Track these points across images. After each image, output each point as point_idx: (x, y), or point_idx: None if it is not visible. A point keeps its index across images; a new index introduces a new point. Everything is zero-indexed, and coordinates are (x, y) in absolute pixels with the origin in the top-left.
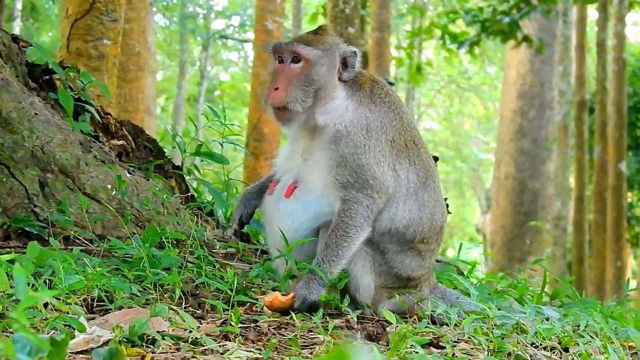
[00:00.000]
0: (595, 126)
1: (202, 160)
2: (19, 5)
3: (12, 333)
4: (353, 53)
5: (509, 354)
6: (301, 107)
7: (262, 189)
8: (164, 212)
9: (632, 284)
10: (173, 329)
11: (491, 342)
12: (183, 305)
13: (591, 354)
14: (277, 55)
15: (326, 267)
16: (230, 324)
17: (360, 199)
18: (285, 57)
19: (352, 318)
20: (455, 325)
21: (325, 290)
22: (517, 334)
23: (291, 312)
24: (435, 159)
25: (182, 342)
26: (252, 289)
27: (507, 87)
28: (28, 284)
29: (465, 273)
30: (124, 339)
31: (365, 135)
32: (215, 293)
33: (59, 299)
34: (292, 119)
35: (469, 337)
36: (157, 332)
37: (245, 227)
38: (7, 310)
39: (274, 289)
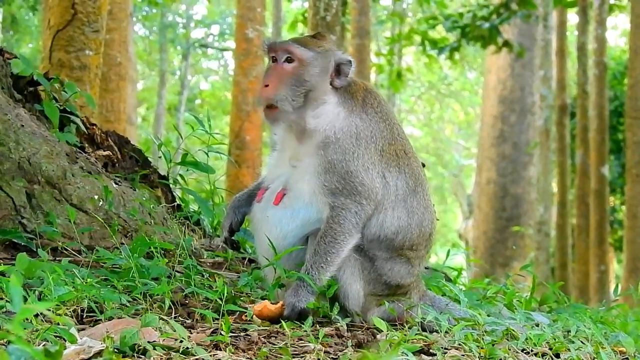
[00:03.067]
0: (577, 130)
1: (187, 170)
2: None
3: (5, 345)
4: (348, 62)
5: None
6: (290, 107)
7: (251, 196)
8: (151, 222)
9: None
10: (164, 339)
11: (482, 348)
12: (173, 315)
13: None
14: (271, 54)
15: (315, 274)
16: (221, 333)
17: (348, 206)
18: (279, 56)
19: (342, 326)
20: (446, 332)
21: (314, 298)
22: (508, 340)
23: (281, 321)
24: (422, 165)
25: (173, 352)
26: (241, 298)
27: (488, 93)
28: None
29: (452, 279)
30: (115, 350)
31: (354, 143)
32: (204, 302)
33: (49, 310)
34: (280, 118)
35: (459, 344)
36: (148, 342)
37: (235, 235)
38: None
39: (263, 298)
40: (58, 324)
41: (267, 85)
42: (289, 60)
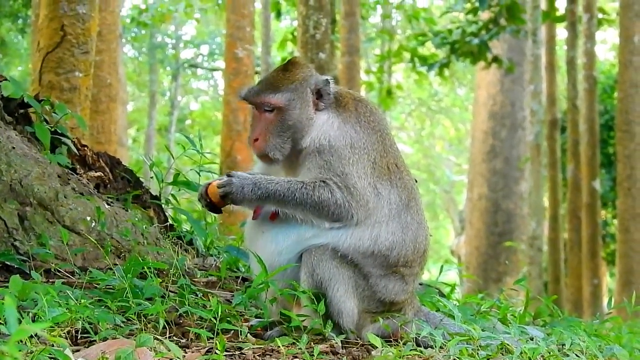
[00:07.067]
0: (568, 144)
1: (179, 190)
2: None
3: None
4: (325, 82)
5: None
6: (281, 155)
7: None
8: (143, 242)
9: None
10: (159, 359)
11: None
12: (167, 335)
13: None
14: (249, 104)
15: (269, 186)
16: (216, 352)
17: (336, 193)
18: (257, 106)
19: (336, 343)
20: (441, 347)
21: (247, 199)
22: (503, 354)
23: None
24: (414, 181)
25: None
26: (235, 317)
27: (478, 108)
28: None
29: (446, 295)
30: None
31: (349, 150)
32: (198, 322)
33: (44, 331)
34: (276, 161)
35: (454, 359)
36: None
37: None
38: None
39: (257, 316)
40: (53, 345)
41: (256, 139)
42: (268, 108)
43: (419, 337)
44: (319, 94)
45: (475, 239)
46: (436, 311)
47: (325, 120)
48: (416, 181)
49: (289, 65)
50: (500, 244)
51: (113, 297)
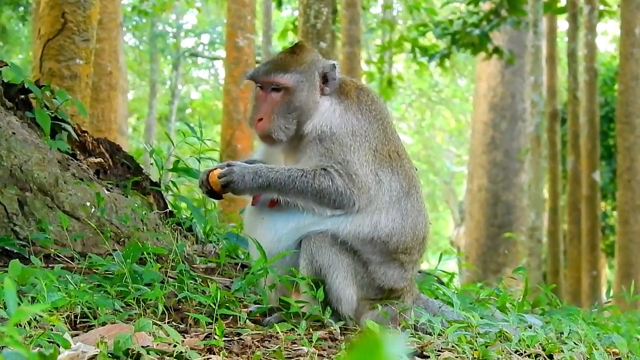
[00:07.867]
0: (568, 136)
1: (179, 176)
2: None
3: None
4: (332, 66)
5: None
6: (285, 136)
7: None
8: (143, 229)
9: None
10: (157, 344)
11: (475, 350)
12: (166, 320)
13: None
14: (256, 84)
15: (270, 175)
16: (214, 338)
17: (337, 181)
18: (264, 86)
19: (335, 329)
20: (439, 334)
21: (249, 187)
22: (501, 342)
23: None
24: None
25: (167, 356)
26: (234, 303)
27: (478, 100)
28: None
29: (445, 283)
30: (109, 355)
31: (350, 138)
32: (197, 307)
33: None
34: (279, 144)
35: (453, 346)
36: (142, 347)
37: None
38: None
39: (256, 302)
40: (52, 330)
41: (260, 119)
42: (276, 88)
43: (417, 324)
44: (324, 79)
45: (474, 231)
46: (435, 299)
47: (327, 107)
48: (416, 169)
49: (296, 49)
50: (499, 235)
51: (112, 283)
